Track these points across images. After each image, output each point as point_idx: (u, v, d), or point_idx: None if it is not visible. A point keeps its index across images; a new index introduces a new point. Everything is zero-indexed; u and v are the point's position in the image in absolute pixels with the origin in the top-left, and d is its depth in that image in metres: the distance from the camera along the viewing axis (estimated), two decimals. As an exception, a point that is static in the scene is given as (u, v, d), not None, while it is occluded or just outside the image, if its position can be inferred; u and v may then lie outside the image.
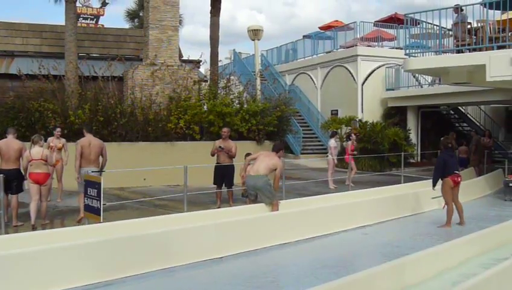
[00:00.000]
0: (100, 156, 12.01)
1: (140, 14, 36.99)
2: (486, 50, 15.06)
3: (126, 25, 39.60)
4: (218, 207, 13.09)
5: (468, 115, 30.69)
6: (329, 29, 33.97)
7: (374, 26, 31.55)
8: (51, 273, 7.14)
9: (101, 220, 9.40)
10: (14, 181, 11.03)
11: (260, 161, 11.30)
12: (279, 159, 11.50)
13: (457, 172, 12.09)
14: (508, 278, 6.62)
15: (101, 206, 9.32)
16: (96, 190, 9.46)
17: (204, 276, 8.10)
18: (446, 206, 12.02)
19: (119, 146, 17.59)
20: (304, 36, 35.43)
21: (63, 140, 14.62)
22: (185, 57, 23.59)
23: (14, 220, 11.09)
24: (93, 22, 39.28)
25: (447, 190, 11.94)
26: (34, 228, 10.74)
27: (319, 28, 36.89)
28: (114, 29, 26.10)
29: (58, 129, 14.83)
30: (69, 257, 7.38)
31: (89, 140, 11.93)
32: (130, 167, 14.74)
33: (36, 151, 11.32)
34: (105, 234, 8.59)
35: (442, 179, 11.95)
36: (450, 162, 11.97)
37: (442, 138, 12.74)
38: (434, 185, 12.11)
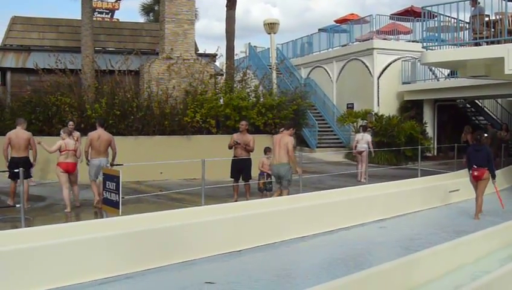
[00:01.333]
0: (110, 149, 12.71)
1: (156, 8, 37.02)
2: (504, 43, 14.93)
3: (141, 19, 39.70)
4: (235, 201, 13.11)
5: (484, 108, 30.47)
6: (345, 22, 33.81)
7: (389, 19, 31.37)
8: (72, 266, 7.20)
9: (120, 214, 9.46)
10: (25, 168, 11.30)
11: (278, 148, 12.16)
12: (290, 136, 12.38)
13: (475, 166, 12.13)
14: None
15: (120, 199, 9.39)
16: (115, 184, 9.54)
17: (223, 269, 8.13)
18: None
19: (136, 140, 17.67)
20: (319, 29, 35.31)
21: (78, 133, 14.76)
22: (200, 51, 23.61)
23: (26, 203, 11.43)
24: (108, 16, 39.50)
25: (471, 182, 12.37)
26: (69, 215, 11.36)
27: (335, 21, 36.73)
28: (130, 23, 26.20)
29: (71, 123, 15.03)
30: (90, 250, 7.44)
31: (99, 133, 12.66)
32: (147, 161, 14.80)
33: (69, 142, 12.08)
34: (125, 227, 8.63)
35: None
36: (471, 156, 12.26)
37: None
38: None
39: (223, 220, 9.38)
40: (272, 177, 13.03)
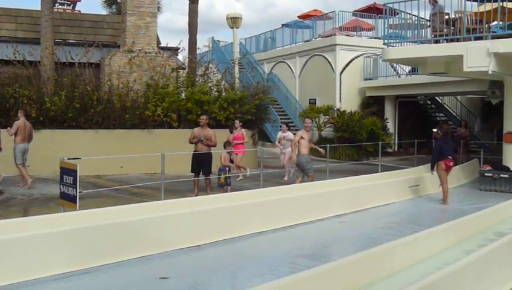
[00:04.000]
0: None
1: (118, 1, 36.59)
2: (463, 41, 15.15)
3: (103, 11, 39.19)
4: (196, 195, 13.04)
5: (444, 105, 30.93)
6: (308, 18, 33.93)
7: (352, 15, 31.58)
8: (25, 262, 7.04)
9: (77, 208, 9.32)
10: None
11: (301, 141, 14.09)
12: (308, 131, 14.53)
13: (450, 157, 13.27)
14: (482, 267, 6.67)
15: (77, 193, 9.25)
16: (72, 178, 9.38)
17: (181, 264, 8.06)
18: (441, 187, 13.46)
19: (96, 133, 17.47)
20: (282, 25, 35.39)
21: None
22: (163, 44, 23.41)
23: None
24: (70, 7, 38.91)
25: (442, 172, 13.30)
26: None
27: (298, 16, 36.85)
28: (91, 15, 25.77)
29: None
30: (45, 245, 7.28)
31: (24, 122, 14.51)
32: (107, 155, 14.63)
33: None
34: (82, 221, 8.50)
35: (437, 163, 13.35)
36: (445, 148, 13.28)
37: (437, 128, 14.14)
38: (432, 168, 13.59)
39: (182, 214, 9.31)
40: (231, 171, 14.22)
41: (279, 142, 18.38)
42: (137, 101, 18.61)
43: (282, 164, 17.93)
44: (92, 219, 8.73)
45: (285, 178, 17.34)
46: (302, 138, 14.12)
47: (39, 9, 19.76)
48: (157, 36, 21.83)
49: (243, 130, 17.34)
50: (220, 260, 8.42)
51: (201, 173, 13.77)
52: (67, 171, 9.54)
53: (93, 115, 17.61)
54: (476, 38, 14.91)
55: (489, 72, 13.66)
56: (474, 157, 19.82)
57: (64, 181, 9.57)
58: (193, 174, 13.82)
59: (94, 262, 7.54)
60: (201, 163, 13.63)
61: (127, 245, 8.07)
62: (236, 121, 17.48)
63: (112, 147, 16.71)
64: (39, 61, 18.93)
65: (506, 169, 15.95)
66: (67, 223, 8.31)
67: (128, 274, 7.52)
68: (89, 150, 15.78)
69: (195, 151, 13.70)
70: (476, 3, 16.43)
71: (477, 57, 13.75)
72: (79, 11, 36.82)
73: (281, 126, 19.69)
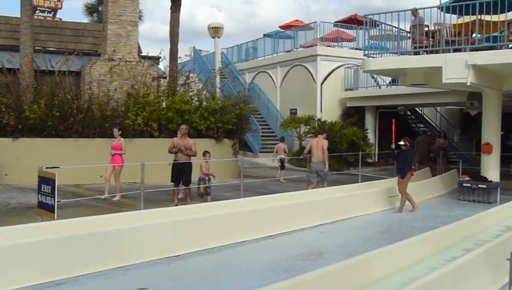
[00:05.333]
0: None
1: (100, 9, 36.54)
2: (442, 52, 15.30)
3: (84, 20, 39.05)
4: (176, 205, 12.97)
5: (424, 116, 31.15)
6: (290, 28, 34.05)
7: (333, 26, 31.74)
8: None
9: (55, 218, 9.22)
10: None
11: (316, 149, 15.10)
12: (325, 139, 15.36)
13: (413, 167, 14.19)
14: (460, 276, 6.71)
15: (55, 203, 9.15)
16: (50, 187, 9.27)
17: (159, 274, 8.01)
18: (403, 195, 13.78)
19: (76, 142, 17.34)
20: (264, 35, 35.45)
21: None
22: (144, 53, 23.35)
23: None
24: (51, 15, 38.57)
25: (407, 182, 13.69)
26: None
27: (280, 27, 36.96)
28: (72, 23, 25.69)
29: None
30: (20, 256, 7.19)
31: None
32: (87, 164, 14.52)
33: None
34: (59, 231, 8.41)
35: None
36: (412, 159, 14.18)
37: (403, 140, 13.91)
38: (404, 177, 13.70)
39: (161, 224, 9.27)
40: (209, 181, 13.85)
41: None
42: (117, 110, 18.49)
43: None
44: (69, 228, 8.66)
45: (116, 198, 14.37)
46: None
47: (19, 16, 19.62)
48: (139, 45, 21.77)
49: (122, 139, 15.00)
50: (199, 270, 8.38)
51: (181, 182, 13.71)
52: (46, 180, 9.43)
53: (73, 123, 17.47)
54: (455, 50, 15.08)
55: (468, 83, 13.79)
56: (453, 167, 19.97)
57: (42, 190, 9.46)
58: (173, 183, 13.75)
59: (71, 273, 7.46)
60: (181, 172, 13.57)
61: (105, 255, 8.01)
62: (115, 129, 15.20)
63: (91, 156, 16.56)
64: (18, 69, 18.75)
65: (484, 179, 16.10)
66: (45, 233, 8.24)
67: (106, 285, 7.46)
68: (68, 159, 15.66)
69: (175, 160, 13.65)
70: (454, 15, 16.62)
71: (456, 68, 13.88)
72: (60, 18, 36.51)
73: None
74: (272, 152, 27.49)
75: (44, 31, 23.59)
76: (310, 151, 15.53)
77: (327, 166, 15.39)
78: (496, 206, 13.87)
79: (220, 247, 9.51)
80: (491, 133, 16.53)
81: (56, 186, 9.19)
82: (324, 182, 15.43)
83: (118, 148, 14.65)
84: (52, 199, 9.15)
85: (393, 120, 15.23)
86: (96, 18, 38.37)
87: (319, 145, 15.14)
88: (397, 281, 7.35)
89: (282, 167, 20.42)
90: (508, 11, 15.37)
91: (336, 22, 32.49)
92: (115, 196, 14.05)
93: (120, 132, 15.06)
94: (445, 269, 6.59)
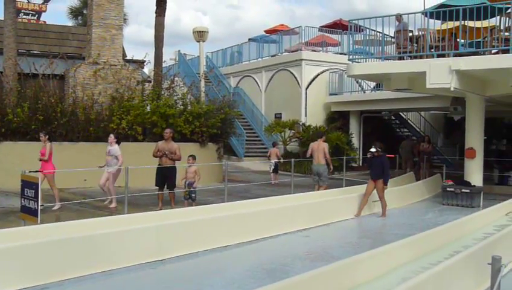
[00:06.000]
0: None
1: (84, 12, 36.33)
2: (426, 58, 15.41)
3: (69, 23, 38.84)
4: (160, 209, 12.93)
5: (408, 120, 31.33)
6: (275, 32, 34.14)
7: (318, 31, 31.88)
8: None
9: (38, 222, 9.16)
10: None
11: (317, 152, 15.72)
12: (325, 142, 16.01)
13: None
14: (443, 281, 6.75)
15: (38, 207, 9.10)
16: (33, 191, 9.22)
17: (143, 279, 8.00)
18: (382, 200, 13.96)
19: (60, 146, 17.18)
20: (249, 39, 35.52)
21: None
22: (128, 57, 23.28)
23: None
24: (35, 18, 38.38)
25: (385, 187, 13.97)
26: None
27: (265, 31, 37.07)
28: (56, 26, 25.54)
29: None
30: (2, 260, 7.13)
31: None
32: (71, 168, 14.43)
33: None
34: (43, 236, 8.37)
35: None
36: (388, 164, 14.10)
37: (374, 146, 14.34)
38: (387, 182, 14.03)
39: (145, 229, 9.24)
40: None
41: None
42: (101, 114, 18.41)
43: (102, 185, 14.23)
44: (53, 232, 8.61)
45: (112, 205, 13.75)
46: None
47: (2, 19, 19.49)
48: (123, 48, 21.72)
49: (49, 143, 13.50)
50: (183, 274, 8.37)
51: (165, 186, 13.68)
52: (29, 184, 9.38)
53: (57, 127, 17.35)
54: (439, 56, 15.20)
55: (452, 88, 13.89)
56: (437, 172, 20.10)
57: (25, 194, 9.40)
58: (157, 188, 13.72)
59: (55, 277, 7.41)
60: (165, 177, 13.54)
61: (89, 260, 7.96)
62: (41, 134, 13.85)
63: (75, 159, 16.48)
64: (1, 72, 18.65)
65: (468, 184, 16.21)
66: (28, 237, 8.18)
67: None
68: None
69: (159, 165, 13.62)
70: (438, 21, 16.75)
71: (440, 74, 13.98)
72: (44, 21, 36.33)
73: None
74: (257, 156, 27.69)
75: (28, 34, 23.46)
76: (311, 155, 16.06)
77: (331, 168, 16.17)
78: (479, 211, 13.99)
79: (204, 251, 9.50)
80: (474, 138, 16.66)
81: (39, 190, 9.14)
82: (324, 185, 15.90)
83: (43, 155, 13.29)
84: (36, 203, 9.10)
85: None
86: (80, 21, 38.17)
87: (319, 148, 15.75)
88: (381, 286, 7.39)
89: (276, 170, 20.91)
90: (490, 18, 15.50)
91: (320, 26, 32.65)
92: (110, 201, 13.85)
93: (47, 137, 13.57)
94: (428, 273, 6.63)
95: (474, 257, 7.63)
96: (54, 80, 18.66)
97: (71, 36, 24.76)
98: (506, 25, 15.07)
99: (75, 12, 39.73)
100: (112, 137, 14.41)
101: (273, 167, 20.97)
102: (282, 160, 21.48)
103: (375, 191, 13.96)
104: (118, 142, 14.36)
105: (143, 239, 8.91)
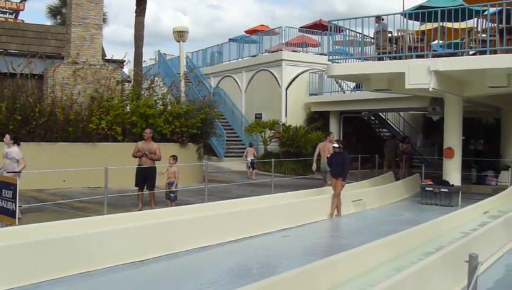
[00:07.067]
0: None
1: (63, 11, 36.08)
2: (405, 58, 15.52)
3: (48, 22, 38.49)
4: (140, 209, 12.87)
5: (388, 121, 31.52)
6: (255, 33, 34.18)
7: (298, 31, 31.96)
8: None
9: (16, 223, 9.09)
10: None
11: (324, 151, 16.54)
12: (331, 142, 16.11)
13: None
14: (421, 280, 6.81)
15: (17, 208, 9.02)
16: (11, 192, 9.14)
17: (124, 280, 7.97)
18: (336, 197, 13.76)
19: (38, 146, 17.08)
20: (229, 39, 35.49)
21: None
22: (108, 57, 23.15)
23: None
24: (13, 16, 37.99)
25: (344, 185, 13.84)
26: None
27: (245, 31, 37.08)
28: (35, 25, 25.31)
29: None
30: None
31: None
32: (49, 168, 14.33)
33: None
34: (21, 237, 8.29)
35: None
36: (349, 161, 14.10)
37: (336, 142, 14.54)
38: (345, 179, 13.84)
39: (125, 229, 9.21)
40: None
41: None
42: (81, 114, 18.29)
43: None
44: (32, 234, 8.54)
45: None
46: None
47: (-20, 18, 19.30)
48: (103, 48, 21.59)
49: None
50: (163, 275, 8.35)
51: (145, 187, 13.63)
52: (6, 185, 9.29)
53: (36, 127, 17.22)
54: (418, 57, 15.32)
55: (430, 89, 14.00)
56: (416, 172, 20.25)
57: (3, 195, 9.31)
58: (137, 188, 13.66)
59: (32, 279, 7.35)
60: (145, 177, 13.49)
61: (67, 261, 7.91)
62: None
63: (54, 160, 16.38)
64: (-21, 72, 18.43)
65: (446, 183, 16.35)
66: (5, 239, 8.11)
67: (69, 291, 7.38)
68: (30, 163, 15.28)
69: (139, 165, 13.56)
70: (417, 22, 16.87)
71: (419, 74, 14.08)
72: (22, 20, 35.95)
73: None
74: (237, 157, 27.68)
75: (6, 32, 23.24)
76: (319, 154, 17.12)
77: None
78: (457, 210, 14.12)
79: (184, 252, 9.48)
80: (452, 137, 16.80)
81: (17, 191, 9.06)
82: (328, 183, 16.06)
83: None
84: (14, 204, 9.02)
85: None
86: (59, 20, 37.85)
87: (326, 148, 16.51)
88: (360, 285, 7.43)
89: (253, 167, 22.47)
90: (468, 19, 15.65)
91: (301, 27, 32.74)
92: None
93: (12, 141, 12.16)
94: (407, 271, 6.68)
95: (452, 255, 7.71)
96: (32, 80, 18.51)
97: (50, 35, 24.55)
98: (483, 27, 15.22)
99: (53, 11, 39.39)
100: (7, 138, 12.18)
101: (250, 164, 22.47)
102: (257, 158, 22.17)
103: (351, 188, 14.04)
104: (17, 143, 12.17)
105: (122, 240, 8.88)
